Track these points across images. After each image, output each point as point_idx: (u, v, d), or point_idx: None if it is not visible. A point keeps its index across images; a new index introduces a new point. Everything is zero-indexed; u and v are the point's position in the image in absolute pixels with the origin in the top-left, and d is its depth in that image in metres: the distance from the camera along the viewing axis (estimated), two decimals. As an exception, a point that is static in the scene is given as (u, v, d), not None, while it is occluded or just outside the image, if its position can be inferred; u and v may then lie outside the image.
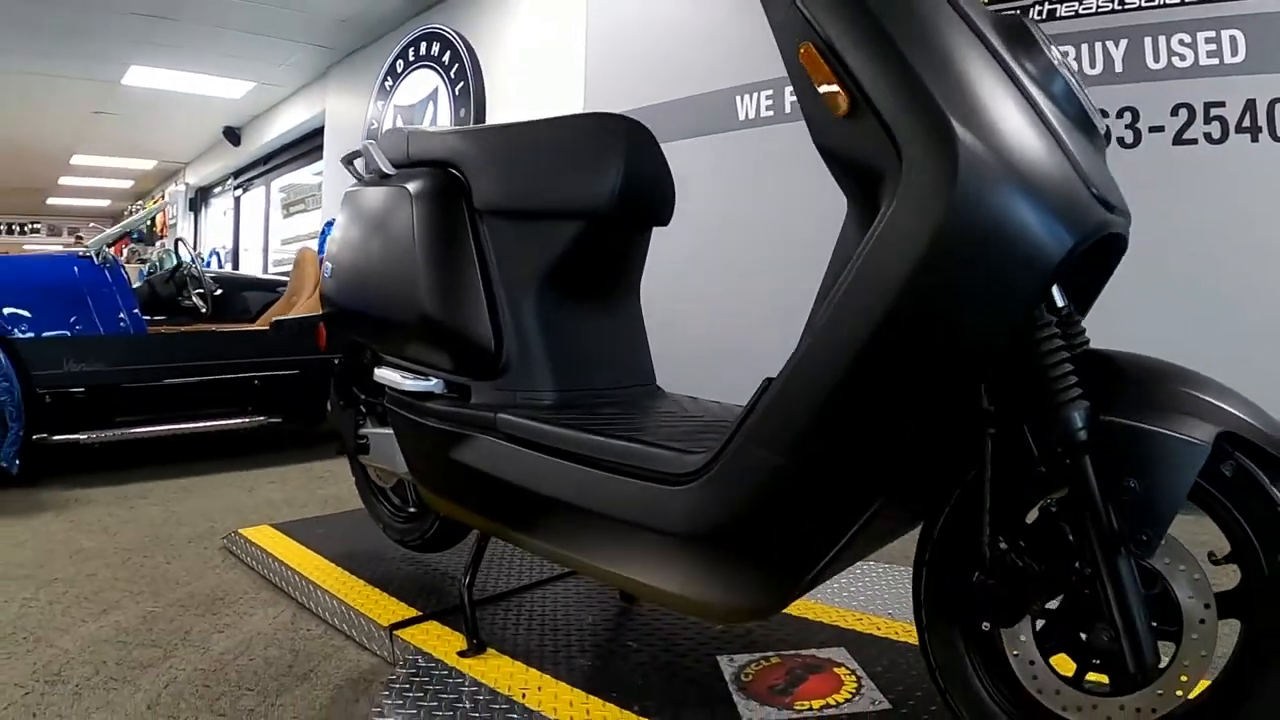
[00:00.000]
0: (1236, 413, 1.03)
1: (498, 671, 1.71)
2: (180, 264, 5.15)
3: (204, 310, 4.76)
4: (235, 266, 11.83)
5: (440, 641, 1.88)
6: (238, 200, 12.46)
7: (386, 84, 7.14)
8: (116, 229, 4.71)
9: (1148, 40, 3.13)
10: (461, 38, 6.32)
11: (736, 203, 4.30)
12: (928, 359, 1.05)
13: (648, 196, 1.79)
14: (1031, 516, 1.16)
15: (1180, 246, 3.05)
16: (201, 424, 4.40)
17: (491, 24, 6.16)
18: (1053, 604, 1.15)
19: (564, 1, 5.31)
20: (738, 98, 4.26)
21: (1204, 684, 1.06)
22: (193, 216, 13.84)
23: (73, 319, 4.06)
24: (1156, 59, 3.12)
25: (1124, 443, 1.03)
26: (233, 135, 10.65)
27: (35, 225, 17.06)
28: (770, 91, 4.14)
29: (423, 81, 6.74)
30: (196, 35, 7.14)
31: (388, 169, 2.05)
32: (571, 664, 1.73)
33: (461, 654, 1.78)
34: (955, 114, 0.99)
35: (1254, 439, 1.01)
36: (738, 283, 4.36)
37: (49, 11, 6.42)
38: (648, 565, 1.36)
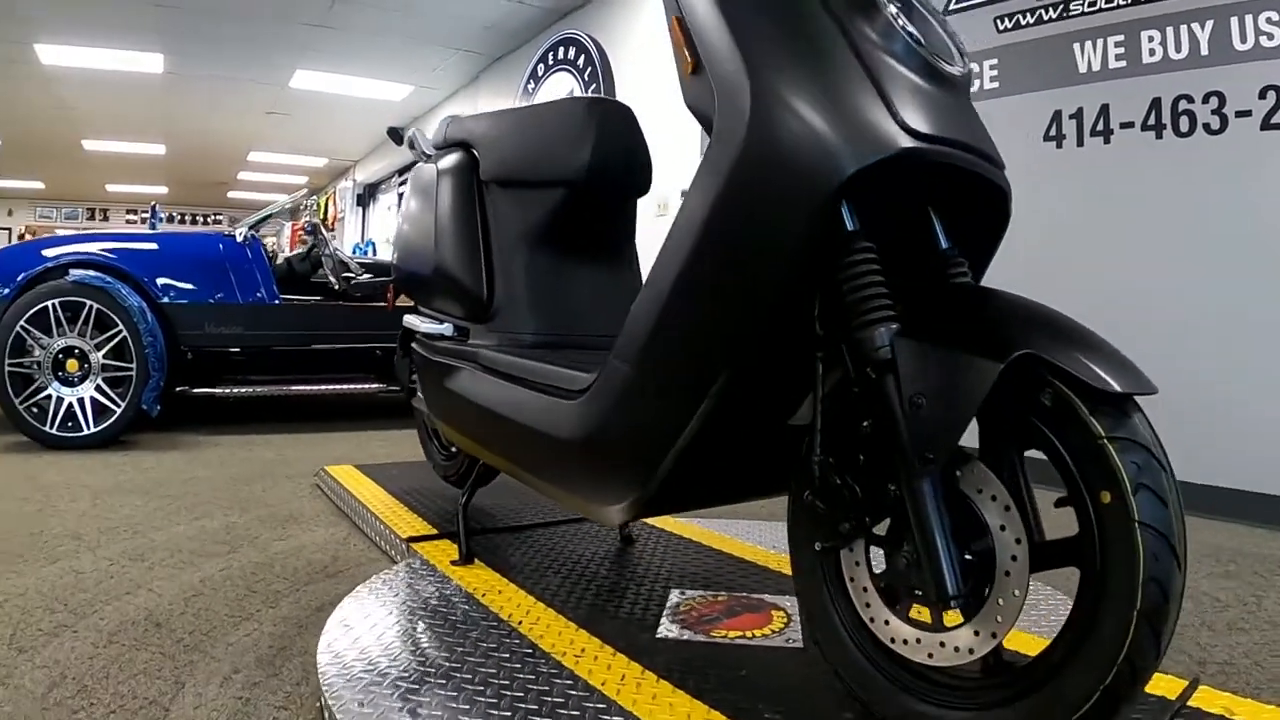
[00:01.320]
0: (1050, 339, 1.01)
1: (473, 576, 1.97)
2: (313, 246, 5.75)
3: (336, 288, 5.31)
4: None
5: (442, 554, 2.16)
6: (400, 196, 13.45)
7: (529, 87, 7.62)
8: (259, 214, 5.34)
9: (1234, 20, 3.04)
10: (594, 40, 6.68)
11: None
12: (733, 273, 1.18)
13: (621, 169, 2.08)
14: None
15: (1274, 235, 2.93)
16: (324, 387, 4.93)
17: (619, 26, 6.48)
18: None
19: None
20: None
21: (1045, 642, 1.03)
22: (361, 211, 14.99)
23: (215, 288, 4.65)
24: (1243, 40, 3.03)
25: (920, 362, 1.05)
26: (395, 135, 11.48)
27: (218, 216, 18.97)
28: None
29: (560, 84, 7.17)
30: (356, 42, 7.88)
31: (429, 150, 2.41)
32: (537, 579, 1.96)
33: (454, 563, 2.06)
34: (753, 63, 1.14)
35: (1066, 364, 0.97)
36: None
37: (225, 24, 7.30)
38: (550, 469, 1.64)
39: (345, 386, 5.05)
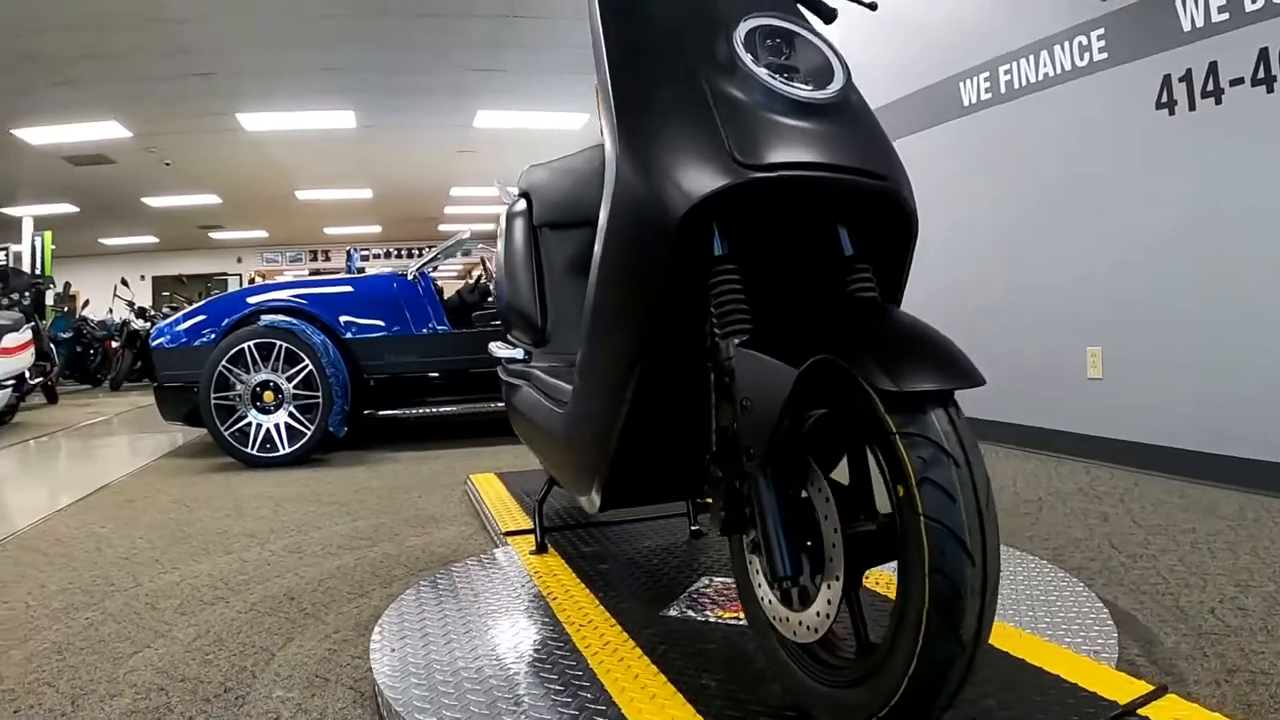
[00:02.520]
0: (857, 345, 1.11)
1: (541, 564, 2.31)
2: (480, 278, 6.36)
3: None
4: None
5: (528, 544, 2.51)
6: None
7: None
8: (429, 256, 6.01)
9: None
10: None
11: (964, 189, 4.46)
12: (623, 293, 1.43)
13: None
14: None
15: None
16: (492, 405, 5.45)
17: None
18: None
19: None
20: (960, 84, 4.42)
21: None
22: None
23: (392, 323, 5.31)
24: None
25: (749, 369, 1.20)
26: None
27: (431, 248, 20.71)
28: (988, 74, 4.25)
29: None
30: (526, 82, 8.66)
31: (508, 198, 2.81)
32: (593, 565, 2.27)
33: (531, 552, 2.41)
34: (620, 118, 1.39)
35: (854, 367, 1.07)
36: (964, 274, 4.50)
37: (404, 78, 8.24)
38: (558, 467, 2.03)
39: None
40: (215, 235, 19.94)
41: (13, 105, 8.75)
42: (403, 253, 21.14)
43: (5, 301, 9.16)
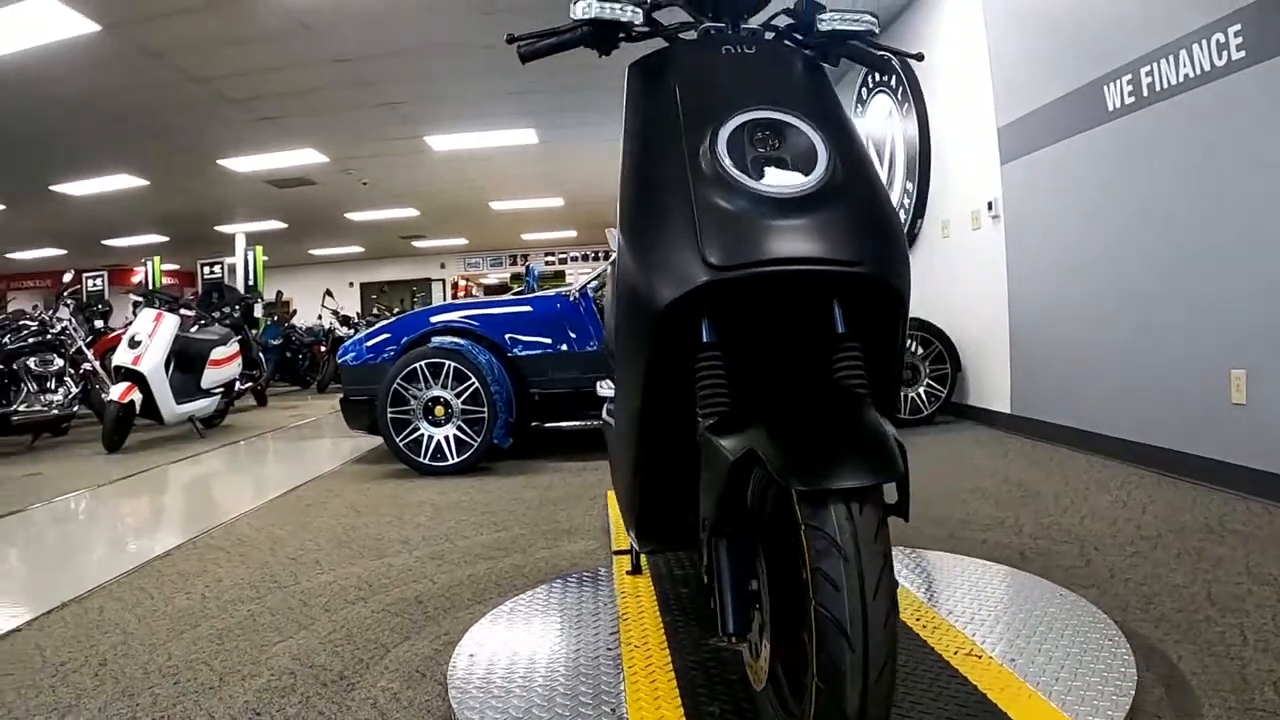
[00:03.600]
0: (780, 442, 1.27)
1: (630, 584, 2.54)
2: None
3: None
4: None
5: (628, 565, 2.75)
6: None
7: (858, 111, 8.06)
8: (590, 277, 6.39)
9: None
10: (901, 62, 6.89)
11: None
12: (624, 364, 1.63)
13: None
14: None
15: None
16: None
17: (919, 43, 6.59)
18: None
19: (970, 8, 5.67)
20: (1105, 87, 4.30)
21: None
22: None
23: (556, 341, 5.72)
24: None
25: (707, 451, 1.41)
26: None
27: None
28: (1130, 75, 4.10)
29: (880, 107, 7.51)
30: None
31: (614, 248, 3.07)
32: (676, 588, 2.45)
33: (628, 572, 2.66)
34: (625, 230, 1.60)
35: (769, 462, 1.24)
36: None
37: (576, 95, 8.75)
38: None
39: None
40: (417, 244, 21.52)
41: (218, 140, 10.02)
42: (598, 255, 22.23)
43: (217, 315, 10.35)
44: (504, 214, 16.74)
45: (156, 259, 17.12)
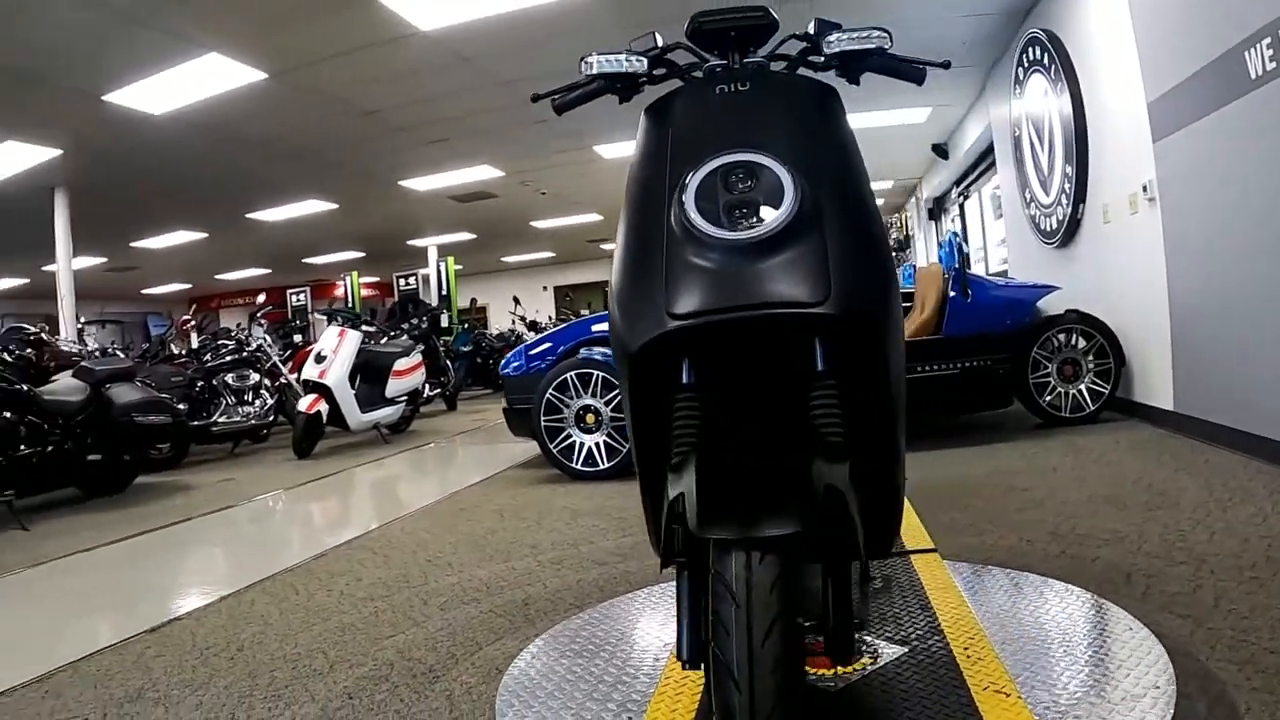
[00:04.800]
0: (709, 484, 1.39)
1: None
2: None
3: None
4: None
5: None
6: (961, 207, 14.08)
7: (1016, 92, 7.79)
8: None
9: None
10: (1052, 36, 6.60)
11: None
12: (625, 403, 1.70)
13: None
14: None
15: None
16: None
17: (1071, 17, 6.30)
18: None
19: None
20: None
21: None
22: (933, 225, 15.98)
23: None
24: None
25: (670, 484, 1.47)
26: (941, 151, 12.37)
27: None
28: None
29: (1035, 87, 7.20)
30: (859, 87, 8.91)
31: None
32: None
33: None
34: (612, 274, 1.68)
35: (685, 508, 1.38)
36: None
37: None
38: None
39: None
40: (604, 246, 22.24)
41: (394, 164, 10.91)
42: None
43: (405, 326, 11.18)
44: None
45: (354, 274, 18.61)
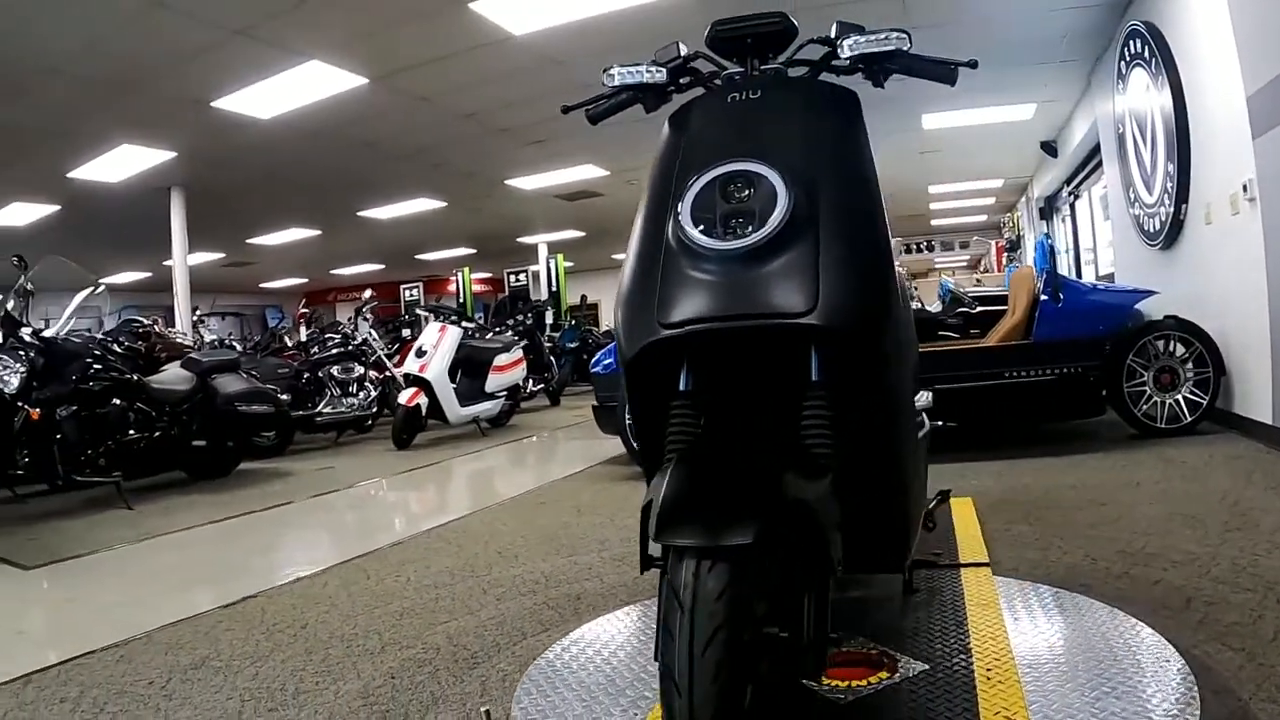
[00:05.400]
0: (665, 499, 1.39)
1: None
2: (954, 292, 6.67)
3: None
4: (1078, 273, 13.04)
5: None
6: (1071, 207, 13.63)
7: (1118, 87, 7.49)
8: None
9: None
10: (1151, 28, 6.31)
11: None
12: (633, 414, 1.77)
13: None
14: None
15: None
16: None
17: (1170, 7, 6.01)
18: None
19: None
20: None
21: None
22: (1044, 224, 15.51)
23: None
24: None
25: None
26: (1050, 148, 11.95)
27: (929, 243, 23.11)
28: None
29: (1138, 82, 6.89)
30: (959, 83, 8.71)
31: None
32: None
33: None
34: (619, 288, 1.73)
35: (650, 516, 1.39)
36: None
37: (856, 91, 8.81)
38: None
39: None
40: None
41: (498, 164, 11.23)
42: (910, 248, 22.58)
43: (510, 322, 11.45)
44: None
45: (466, 270, 19.10)
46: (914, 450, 1.91)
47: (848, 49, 1.82)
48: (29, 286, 5.54)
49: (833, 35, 1.87)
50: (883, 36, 1.81)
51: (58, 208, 11.20)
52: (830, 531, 1.45)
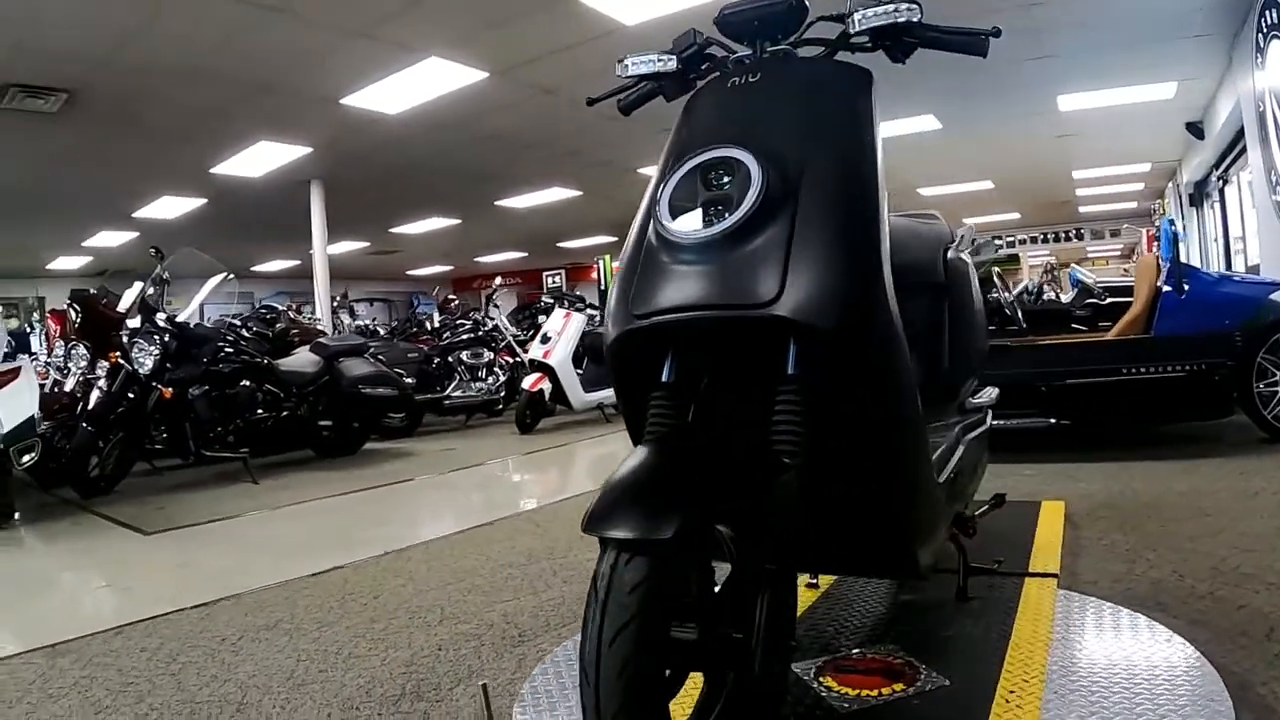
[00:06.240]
0: (622, 483, 1.39)
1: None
2: (1031, 285, 6.46)
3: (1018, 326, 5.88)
4: (1227, 263, 12.29)
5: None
6: (1220, 192, 12.77)
7: (1257, 62, 6.95)
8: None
9: None
10: None
11: None
12: (620, 404, 1.80)
13: None
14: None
15: None
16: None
17: None
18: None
19: None
20: None
21: None
22: (1195, 211, 14.56)
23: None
24: None
25: None
26: (1196, 130, 11.14)
27: (1079, 230, 21.43)
28: None
29: (1277, 55, 6.41)
30: (1089, 63, 8.37)
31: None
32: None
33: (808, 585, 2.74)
34: (624, 253, 1.75)
35: (591, 504, 1.39)
36: None
37: (980, 77, 8.56)
38: None
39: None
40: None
41: (630, 154, 11.35)
42: (1046, 237, 21.46)
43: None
44: (935, 200, 16.69)
45: (606, 258, 19.37)
46: (917, 451, 1.83)
47: (857, 23, 1.77)
48: (165, 275, 5.99)
49: (847, 11, 1.80)
50: (891, 8, 1.73)
51: (204, 201, 12.03)
52: (785, 531, 1.44)
